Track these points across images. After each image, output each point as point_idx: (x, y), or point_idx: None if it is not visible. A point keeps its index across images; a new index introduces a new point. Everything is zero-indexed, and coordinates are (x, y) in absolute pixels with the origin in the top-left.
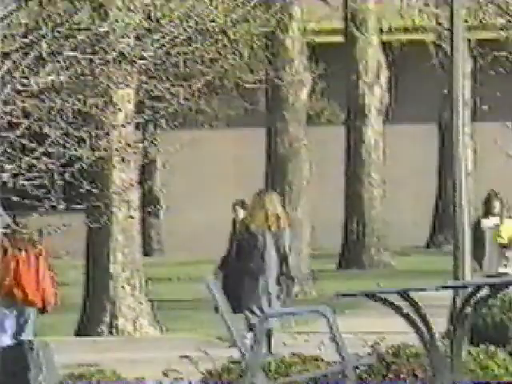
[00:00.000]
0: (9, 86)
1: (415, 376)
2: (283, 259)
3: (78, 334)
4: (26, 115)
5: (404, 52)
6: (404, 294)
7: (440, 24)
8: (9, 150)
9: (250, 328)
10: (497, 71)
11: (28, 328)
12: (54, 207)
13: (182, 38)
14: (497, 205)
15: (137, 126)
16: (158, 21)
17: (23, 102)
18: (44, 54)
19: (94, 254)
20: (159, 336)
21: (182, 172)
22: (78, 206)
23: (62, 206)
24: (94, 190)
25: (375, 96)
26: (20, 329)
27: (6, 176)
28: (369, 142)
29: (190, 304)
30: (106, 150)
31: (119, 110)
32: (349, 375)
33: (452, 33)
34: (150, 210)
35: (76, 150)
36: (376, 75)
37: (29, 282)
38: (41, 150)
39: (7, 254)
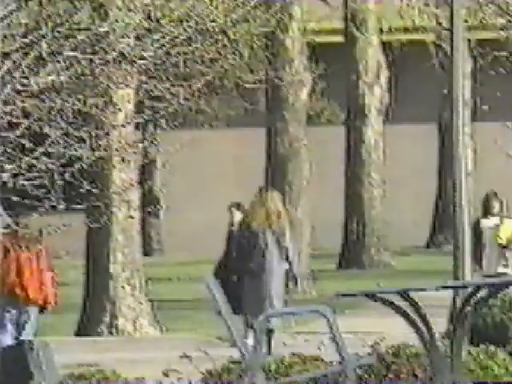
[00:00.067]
0: (9, 86)
1: (415, 376)
2: (285, 258)
3: (78, 334)
4: (26, 115)
5: (404, 52)
6: (404, 294)
7: (440, 24)
8: (9, 150)
9: (250, 327)
10: (497, 71)
11: (28, 328)
12: (54, 207)
13: (182, 38)
14: (496, 205)
15: (137, 126)
16: (158, 21)
17: (23, 102)
18: (44, 54)
19: (94, 254)
20: (159, 336)
21: (182, 172)
22: (78, 206)
23: (61, 206)
24: (94, 190)
25: (375, 96)
26: (20, 329)
27: (6, 176)
28: (369, 142)
29: (190, 304)
30: (105, 149)
31: (119, 109)
32: (349, 375)
33: (452, 33)
34: (150, 209)
35: (76, 150)
36: (376, 75)
37: (31, 282)
38: (41, 150)
39: (9, 254)
